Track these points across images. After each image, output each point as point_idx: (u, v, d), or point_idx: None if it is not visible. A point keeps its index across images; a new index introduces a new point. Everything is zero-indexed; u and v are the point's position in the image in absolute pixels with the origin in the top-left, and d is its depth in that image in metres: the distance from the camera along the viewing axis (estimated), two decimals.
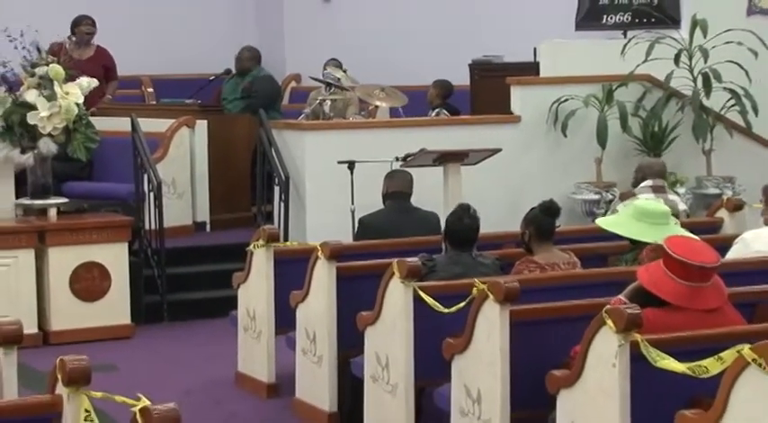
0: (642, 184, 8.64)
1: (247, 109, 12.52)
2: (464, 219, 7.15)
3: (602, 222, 7.23)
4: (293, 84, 15.07)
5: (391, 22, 14.58)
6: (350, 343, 7.35)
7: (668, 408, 5.03)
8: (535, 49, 12.10)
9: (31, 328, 9.09)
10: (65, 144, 9.77)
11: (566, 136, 11.33)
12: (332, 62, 13.20)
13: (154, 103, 13.93)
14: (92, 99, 10.50)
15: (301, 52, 14.96)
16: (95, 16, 12.69)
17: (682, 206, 9.22)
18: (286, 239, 9.99)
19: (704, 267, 5.61)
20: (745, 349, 4.65)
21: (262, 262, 8.17)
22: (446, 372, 6.42)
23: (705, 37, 11.24)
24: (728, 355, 4.75)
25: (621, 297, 5.68)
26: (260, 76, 13.09)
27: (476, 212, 7.20)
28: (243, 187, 12.11)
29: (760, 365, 4.58)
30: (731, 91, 11.33)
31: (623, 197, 9.01)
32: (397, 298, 6.78)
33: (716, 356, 4.82)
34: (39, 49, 9.86)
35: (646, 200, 7.55)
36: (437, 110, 12.39)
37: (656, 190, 8.43)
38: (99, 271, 9.84)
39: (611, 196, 10.64)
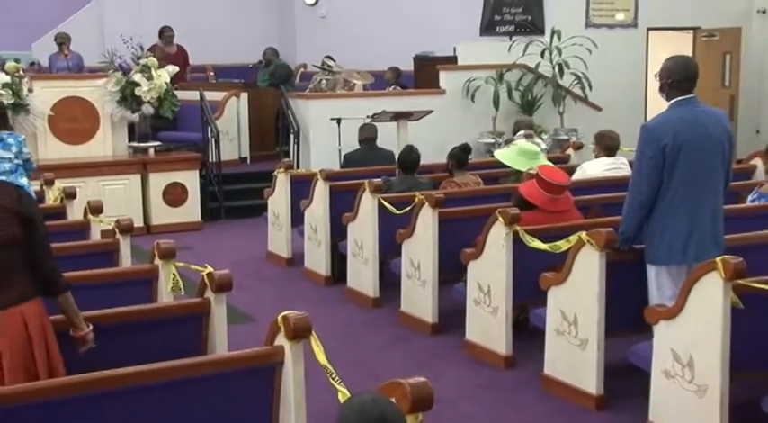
0: (518, 134, 8.51)
1: (271, 84, 12.41)
2: (412, 153, 7.16)
3: (498, 156, 7.19)
4: (302, 69, 14.89)
5: (363, 30, 14.35)
6: (338, 233, 7.34)
7: (535, 271, 5.07)
8: (454, 48, 12.00)
9: (138, 223, 8.99)
10: (158, 108, 9.67)
11: (473, 102, 11.26)
12: (326, 56, 13.11)
13: (214, 82, 13.75)
14: (175, 79, 10.37)
15: (307, 49, 14.76)
16: (175, 26, 12.57)
17: (543, 146, 9.14)
18: (298, 167, 9.92)
19: (561, 185, 5.65)
20: (583, 234, 4.71)
21: (283, 182, 8.12)
22: (398, 251, 6.45)
23: (560, 40, 11.19)
24: (573, 238, 4.79)
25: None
26: (278, 64, 12.99)
27: (418, 150, 7.21)
28: (270, 135, 12.03)
29: (591, 244, 4.63)
30: (575, 75, 11.29)
31: (507, 143, 8.91)
32: (368, 205, 6.78)
33: (565, 239, 4.86)
34: (141, 48, 9.82)
35: (525, 143, 7.47)
36: (393, 86, 12.30)
37: (527, 137, 8.31)
38: (181, 188, 9.78)
39: (501, 141, 10.59)
